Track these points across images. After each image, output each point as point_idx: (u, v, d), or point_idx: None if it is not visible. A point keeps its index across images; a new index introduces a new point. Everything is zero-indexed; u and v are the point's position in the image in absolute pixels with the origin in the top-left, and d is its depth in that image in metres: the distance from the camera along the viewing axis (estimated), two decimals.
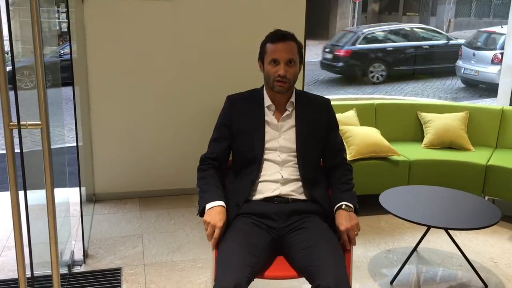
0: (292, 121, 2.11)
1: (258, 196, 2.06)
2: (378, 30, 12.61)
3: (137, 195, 3.92)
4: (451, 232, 2.88)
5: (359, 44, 11.73)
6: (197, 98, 3.85)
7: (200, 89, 3.84)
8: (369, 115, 4.05)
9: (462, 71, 10.92)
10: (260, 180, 2.07)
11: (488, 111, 4.08)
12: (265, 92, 2.14)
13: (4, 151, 1.89)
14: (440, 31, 13.42)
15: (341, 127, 3.22)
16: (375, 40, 12.10)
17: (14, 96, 1.63)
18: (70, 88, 3.18)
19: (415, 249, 2.95)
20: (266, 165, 2.07)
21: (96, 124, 3.73)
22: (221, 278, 1.74)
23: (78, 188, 3.29)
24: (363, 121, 3.91)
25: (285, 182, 2.06)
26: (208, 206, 1.97)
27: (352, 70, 11.84)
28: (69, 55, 3.60)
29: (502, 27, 10.76)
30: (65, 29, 4.40)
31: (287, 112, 2.11)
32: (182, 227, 3.39)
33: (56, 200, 1.80)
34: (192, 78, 3.82)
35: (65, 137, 4.89)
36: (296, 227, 1.99)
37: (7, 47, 1.65)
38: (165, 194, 3.96)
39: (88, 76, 3.64)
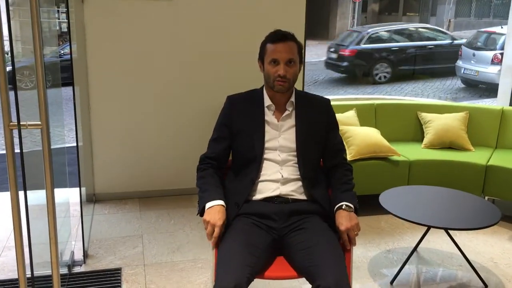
0: (292, 121, 2.11)
1: (258, 196, 2.06)
2: (383, 29, 12.64)
3: (137, 195, 3.92)
4: (451, 232, 2.88)
5: (363, 44, 11.76)
6: (197, 98, 3.85)
7: (200, 89, 3.84)
8: (369, 115, 4.05)
9: (462, 71, 10.92)
10: (260, 179, 2.07)
11: (488, 111, 4.08)
12: (265, 92, 2.15)
13: (4, 151, 1.89)
14: (445, 31, 13.42)
15: (341, 127, 3.22)
16: (379, 40, 12.14)
17: (14, 96, 1.63)
18: (70, 88, 3.17)
19: (415, 249, 2.95)
20: (266, 165, 2.08)
21: (96, 124, 3.73)
22: (221, 278, 1.74)
23: (78, 188, 3.29)
24: (363, 121, 3.91)
25: (285, 181, 2.06)
26: (208, 205, 1.97)
27: (357, 70, 11.88)
28: (69, 55, 3.60)
29: (502, 27, 10.76)
30: (65, 29, 4.41)
31: (287, 112, 2.12)
32: (182, 227, 3.39)
33: (56, 200, 1.80)
34: (192, 78, 3.82)
35: (65, 137, 4.89)
36: (296, 227, 1.99)
37: (7, 47, 1.65)
38: (165, 194, 3.96)
39: (88, 76, 3.64)
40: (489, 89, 10.40)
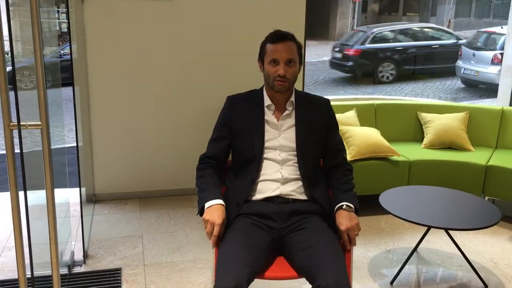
0: (292, 120, 2.12)
1: (258, 196, 2.06)
2: (388, 29, 12.68)
3: (137, 196, 3.92)
4: (451, 232, 2.88)
5: (368, 43, 11.81)
6: (197, 98, 3.85)
7: (200, 89, 3.84)
8: (369, 116, 4.05)
9: (462, 72, 10.92)
10: (260, 179, 2.07)
11: (488, 111, 4.08)
12: (264, 92, 2.15)
13: (4, 152, 1.89)
14: (450, 30, 13.41)
15: (341, 127, 3.22)
16: (383, 39, 12.17)
17: (14, 96, 1.63)
18: (70, 88, 3.17)
19: (415, 249, 2.95)
20: (266, 164, 2.08)
21: (96, 124, 3.73)
22: (222, 278, 1.74)
23: (78, 189, 3.29)
24: (363, 122, 3.91)
25: (285, 181, 2.06)
26: (207, 204, 1.97)
27: (357, 70, 11.91)
28: (69, 55, 3.60)
29: (502, 28, 10.76)
30: (65, 30, 4.41)
31: (287, 112, 2.12)
32: (182, 228, 3.39)
33: (56, 201, 1.80)
34: (192, 78, 3.82)
35: (65, 137, 4.89)
36: (296, 227, 1.99)
37: (7, 48, 1.65)
38: (165, 194, 3.96)
39: (88, 76, 3.64)
40: (489, 89, 10.40)
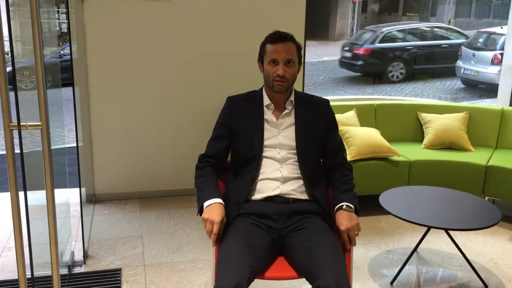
0: (291, 119, 2.13)
1: (258, 196, 2.06)
2: (397, 29, 12.73)
3: (137, 196, 3.92)
4: (451, 232, 2.88)
5: (377, 43, 11.87)
6: (197, 98, 3.85)
7: (200, 89, 3.84)
8: (369, 116, 4.05)
9: (462, 72, 10.92)
10: (260, 178, 2.07)
11: (488, 111, 4.08)
12: (264, 92, 2.16)
13: (4, 152, 1.89)
14: (460, 30, 13.41)
15: (341, 127, 3.22)
16: (391, 39, 12.22)
17: (14, 96, 1.63)
18: (70, 88, 3.17)
19: (415, 249, 2.95)
20: (265, 163, 2.08)
21: (96, 124, 3.73)
22: (222, 278, 1.74)
23: (78, 189, 3.29)
24: (363, 122, 3.91)
25: (285, 180, 2.07)
26: (206, 204, 1.98)
27: (371, 69, 11.97)
28: (69, 56, 3.60)
29: (502, 28, 10.76)
30: (65, 30, 4.41)
31: (286, 111, 2.13)
32: (182, 228, 3.39)
33: (56, 201, 1.79)
34: (192, 78, 3.82)
35: (65, 137, 4.89)
36: (296, 227, 1.99)
37: (7, 48, 1.65)
38: (165, 194, 3.96)
39: (88, 77, 3.64)
40: (489, 89, 10.40)
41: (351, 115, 3.89)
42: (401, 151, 3.71)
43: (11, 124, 1.63)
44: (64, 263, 2.77)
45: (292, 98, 2.13)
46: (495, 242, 3.27)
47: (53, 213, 1.77)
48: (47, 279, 2.06)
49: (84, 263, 2.87)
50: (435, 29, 13.37)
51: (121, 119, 3.77)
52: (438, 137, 3.89)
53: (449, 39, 12.60)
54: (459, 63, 11.03)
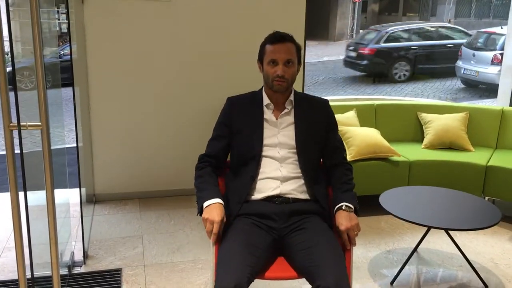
0: (291, 119, 2.13)
1: (258, 196, 2.06)
2: (402, 28, 12.75)
3: (137, 196, 3.92)
4: (451, 232, 2.88)
5: (382, 43, 11.89)
6: (197, 98, 3.85)
7: (200, 89, 3.84)
8: (369, 116, 4.05)
9: (462, 72, 10.92)
10: (260, 177, 2.08)
11: (488, 111, 4.08)
12: (264, 92, 2.17)
13: (4, 152, 1.89)
14: (465, 30, 13.42)
15: (341, 127, 3.22)
16: (395, 39, 12.24)
17: (14, 97, 1.63)
18: (70, 88, 3.17)
19: (415, 249, 2.95)
20: (265, 162, 2.08)
21: (96, 124, 3.73)
22: (222, 278, 1.74)
23: (78, 189, 3.29)
24: (363, 122, 3.91)
25: (285, 179, 2.07)
26: (206, 204, 1.98)
27: (376, 68, 11.99)
28: (69, 56, 3.60)
29: (502, 28, 10.76)
30: (65, 30, 4.41)
31: (286, 110, 2.14)
32: (182, 228, 3.39)
33: (56, 201, 1.79)
34: (192, 78, 3.82)
35: (65, 137, 4.89)
36: (296, 227, 1.99)
37: (7, 48, 1.65)
38: (165, 194, 3.96)
39: (88, 77, 3.64)
40: (489, 89, 10.40)
41: (351, 115, 3.89)
42: (401, 151, 3.71)
43: (11, 124, 1.63)
44: (64, 263, 2.77)
45: (291, 98, 2.14)
46: (495, 242, 3.27)
47: (53, 213, 1.77)
48: (47, 279, 2.06)
49: (84, 263, 2.87)
50: (440, 29, 13.38)
51: (121, 119, 3.77)
52: (438, 137, 3.89)
53: (453, 39, 12.60)
54: (459, 63, 11.03)
